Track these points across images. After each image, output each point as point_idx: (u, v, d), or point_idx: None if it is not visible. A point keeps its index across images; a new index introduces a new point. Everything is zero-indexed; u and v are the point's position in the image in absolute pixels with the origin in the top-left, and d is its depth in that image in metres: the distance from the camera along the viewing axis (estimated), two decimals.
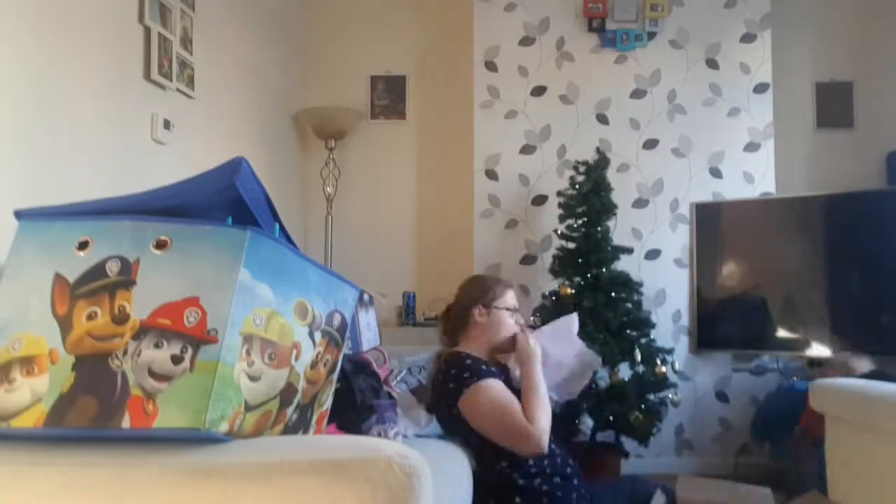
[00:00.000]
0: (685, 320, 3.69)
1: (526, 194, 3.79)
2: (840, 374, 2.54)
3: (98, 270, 0.97)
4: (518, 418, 1.81)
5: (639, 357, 3.11)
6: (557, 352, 2.02)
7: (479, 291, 2.09)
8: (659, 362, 3.14)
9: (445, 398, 1.93)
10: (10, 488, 0.87)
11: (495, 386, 1.88)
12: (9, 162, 1.76)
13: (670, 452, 3.62)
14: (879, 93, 3.88)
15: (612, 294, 3.17)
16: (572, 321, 2.11)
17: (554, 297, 3.24)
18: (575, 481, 1.87)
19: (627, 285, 3.24)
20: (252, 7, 3.38)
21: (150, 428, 0.88)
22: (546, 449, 1.82)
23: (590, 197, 3.27)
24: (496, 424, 1.85)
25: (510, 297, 2.11)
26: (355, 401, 1.63)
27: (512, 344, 2.05)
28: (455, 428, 1.94)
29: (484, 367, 1.93)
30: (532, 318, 3.12)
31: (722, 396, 3.66)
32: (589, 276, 3.20)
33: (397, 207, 4.11)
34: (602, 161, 3.38)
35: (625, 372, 3.14)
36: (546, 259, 3.65)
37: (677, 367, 3.44)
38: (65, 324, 0.95)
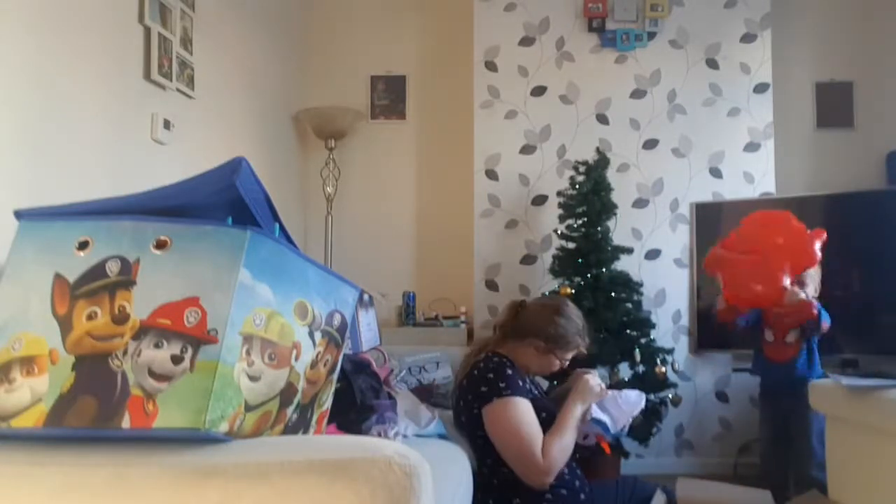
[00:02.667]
0: (685, 320, 3.69)
1: (526, 194, 3.78)
2: None
3: (98, 270, 0.97)
4: (534, 448, 1.79)
5: (639, 357, 3.10)
6: (615, 410, 1.95)
7: (553, 331, 1.99)
8: (659, 362, 3.14)
9: (473, 396, 1.90)
10: (10, 488, 0.87)
11: (524, 407, 1.85)
12: (9, 162, 1.76)
13: (670, 452, 3.61)
14: (879, 93, 3.87)
15: (612, 294, 3.17)
16: (641, 400, 2.00)
17: None
18: (582, 496, 1.86)
19: (627, 285, 3.24)
20: (252, 7, 3.38)
21: (150, 428, 0.88)
22: (547, 486, 1.80)
23: (590, 197, 3.27)
24: (511, 445, 1.82)
25: (570, 355, 2.05)
26: (355, 401, 1.63)
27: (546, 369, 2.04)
28: (467, 424, 1.92)
29: (521, 382, 1.91)
30: None
31: (722, 396, 3.66)
32: (589, 276, 3.19)
33: (397, 207, 4.11)
34: (602, 161, 3.38)
35: (625, 372, 3.14)
36: (546, 259, 3.65)
37: (677, 367, 3.44)
38: (65, 324, 0.95)
